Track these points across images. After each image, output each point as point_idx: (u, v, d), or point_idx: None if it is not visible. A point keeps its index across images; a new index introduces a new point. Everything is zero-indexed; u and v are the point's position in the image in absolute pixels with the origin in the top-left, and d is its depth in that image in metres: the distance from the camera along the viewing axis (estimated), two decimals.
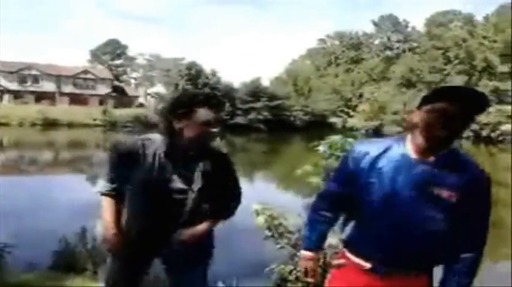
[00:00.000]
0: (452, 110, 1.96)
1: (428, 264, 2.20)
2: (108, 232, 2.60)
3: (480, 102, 2.02)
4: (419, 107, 2.07)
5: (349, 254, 2.29)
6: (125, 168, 2.54)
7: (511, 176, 20.18)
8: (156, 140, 2.54)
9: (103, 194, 2.65)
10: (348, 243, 2.31)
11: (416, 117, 2.06)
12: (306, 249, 2.46)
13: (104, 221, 2.63)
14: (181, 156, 2.50)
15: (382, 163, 2.13)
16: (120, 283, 2.69)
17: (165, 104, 2.52)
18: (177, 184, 2.50)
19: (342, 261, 2.33)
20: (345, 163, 2.27)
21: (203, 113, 2.41)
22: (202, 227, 2.57)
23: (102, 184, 2.66)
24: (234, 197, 2.71)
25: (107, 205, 2.63)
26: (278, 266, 4.65)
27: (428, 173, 2.05)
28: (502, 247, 10.33)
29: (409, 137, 2.15)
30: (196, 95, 2.52)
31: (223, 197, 2.65)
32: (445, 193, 2.04)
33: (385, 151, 2.15)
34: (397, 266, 2.15)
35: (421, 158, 2.07)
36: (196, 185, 2.50)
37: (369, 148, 2.19)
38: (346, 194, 2.25)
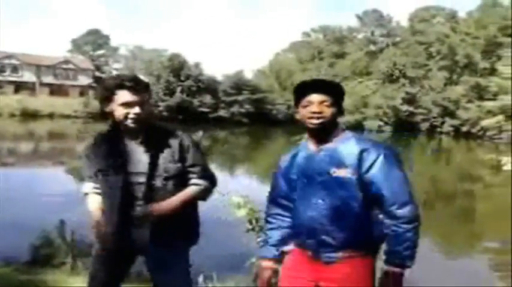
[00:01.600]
0: (311, 100, 2.31)
1: (360, 242, 2.30)
2: (98, 223, 2.60)
3: (337, 90, 2.38)
4: (296, 106, 2.40)
5: (295, 246, 2.45)
6: (92, 161, 2.64)
7: None
8: (106, 130, 2.67)
9: (88, 194, 2.71)
10: (292, 235, 2.47)
11: (298, 115, 2.39)
12: (264, 258, 2.56)
13: (92, 215, 2.63)
14: (130, 139, 2.57)
15: (296, 161, 2.44)
16: (104, 275, 2.66)
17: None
18: (130, 167, 2.54)
19: (290, 247, 2.47)
20: (277, 169, 2.56)
21: (122, 95, 2.48)
22: (167, 202, 2.53)
23: (86, 185, 2.72)
24: (199, 174, 2.67)
25: (92, 200, 2.68)
26: (258, 260, 4.64)
27: (326, 158, 2.32)
28: (477, 240, 10.50)
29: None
30: (116, 78, 2.59)
31: (184, 175, 2.62)
32: (341, 172, 2.26)
33: (298, 152, 2.48)
34: (333, 250, 2.28)
35: (317, 148, 2.36)
36: (143, 165, 2.53)
37: (288, 153, 2.54)
38: (284, 195, 2.49)
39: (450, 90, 58.16)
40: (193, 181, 2.64)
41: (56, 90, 61.16)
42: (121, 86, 2.49)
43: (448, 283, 5.94)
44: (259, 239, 4.67)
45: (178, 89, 58.08)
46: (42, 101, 52.18)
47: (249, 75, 70.88)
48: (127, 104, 2.47)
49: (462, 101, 56.26)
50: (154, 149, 2.55)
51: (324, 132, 2.33)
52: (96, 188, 2.67)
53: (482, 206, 15.34)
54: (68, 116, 49.11)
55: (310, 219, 2.31)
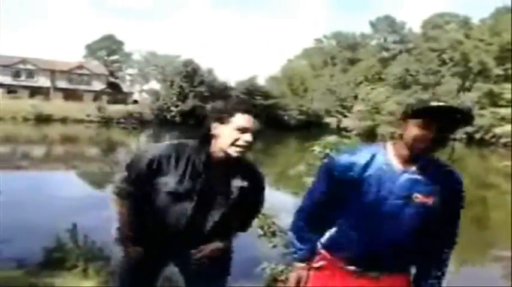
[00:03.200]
0: (441, 127, 2.01)
1: (409, 264, 2.33)
2: (127, 235, 2.53)
3: (466, 119, 2.04)
4: (404, 118, 2.12)
5: (331, 257, 2.33)
6: (153, 172, 2.40)
7: None
8: (191, 146, 2.44)
9: (118, 194, 2.50)
10: (330, 246, 2.33)
11: (403, 128, 2.11)
12: (300, 261, 2.43)
13: (121, 224, 2.54)
14: (216, 166, 2.41)
15: (367, 173, 2.17)
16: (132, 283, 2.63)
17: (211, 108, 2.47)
18: (210, 195, 2.43)
19: (322, 263, 2.36)
20: (329, 172, 2.29)
21: (241, 118, 2.33)
22: (222, 244, 2.55)
23: (118, 183, 2.50)
24: (256, 214, 2.79)
25: (122, 206, 2.50)
26: (270, 266, 4.63)
27: (412, 181, 2.13)
28: (491, 249, 10.39)
29: (390, 144, 2.23)
30: (241, 101, 2.55)
31: (249, 214, 2.70)
32: (427, 200, 2.12)
33: (370, 160, 2.18)
34: (381, 268, 2.23)
35: (404, 166, 2.15)
36: (229, 199, 2.45)
37: (354, 158, 2.22)
38: (330, 202, 2.29)
39: (463, 96, 57.74)
40: (248, 219, 2.74)
41: (70, 95, 61.56)
42: (240, 110, 2.36)
43: None
44: (271, 245, 4.67)
45: (191, 94, 58.25)
46: (56, 106, 52.52)
47: (261, 81, 71.01)
48: (243, 130, 2.32)
49: (475, 107, 55.86)
50: (240, 186, 2.46)
51: (422, 156, 2.13)
52: (130, 192, 2.47)
53: (496, 213, 15.19)
54: (81, 121, 49.41)
55: (376, 243, 2.18)
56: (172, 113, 54.81)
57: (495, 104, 52.21)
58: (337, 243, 2.30)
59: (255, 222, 4.62)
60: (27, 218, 8.14)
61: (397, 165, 2.16)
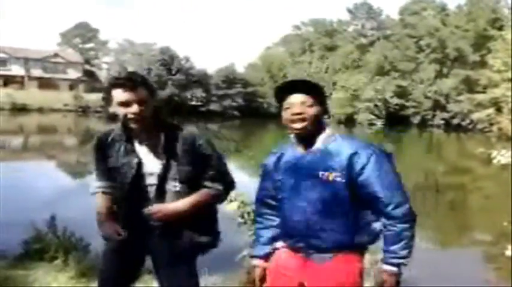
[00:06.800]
0: (292, 101, 2.27)
1: (348, 243, 2.30)
2: (102, 221, 2.57)
3: (317, 90, 2.32)
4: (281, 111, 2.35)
5: (281, 244, 2.49)
6: (102, 162, 2.58)
7: None
8: (116, 128, 2.56)
9: (94, 193, 2.66)
10: (280, 237, 2.50)
11: (283, 120, 2.34)
12: (262, 244, 2.56)
13: (98, 214, 2.61)
14: (133, 138, 2.50)
15: (282, 163, 2.42)
16: (112, 275, 2.61)
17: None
18: (143, 167, 2.48)
19: (281, 244, 2.48)
20: (262, 170, 2.57)
21: (117, 94, 2.37)
22: (174, 204, 2.44)
23: (94, 184, 2.66)
24: (215, 176, 2.55)
25: (100, 199, 2.63)
26: (250, 253, 4.64)
27: (311, 161, 2.29)
28: (470, 231, 10.58)
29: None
30: (112, 77, 2.52)
31: (199, 176, 2.52)
32: (330, 175, 2.24)
33: (283, 153, 2.45)
34: (320, 249, 2.30)
35: (305, 150, 2.34)
36: (155, 166, 2.46)
37: (273, 153, 2.52)
38: (270, 195, 2.51)
39: (441, 83, 58.40)
40: (205, 183, 2.53)
41: (45, 83, 60.67)
42: (114, 85, 2.38)
43: (440, 274, 5.98)
44: (251, 233, 4.68)
45: (169, 82, 57.89)
46: (31, 95, 51.76)
47: (240, 69, 70.83)
48: (124, 104, 2.36)
49: (453, 94, 56.54)
50: (165, 150, 2.45)
51: (309, 135, 2.31)
52: (104, 187, 2.61)
53: (472, 197, 15.45)
54: (57, 110, 48.76)
55: (299, 222, 2.32)
56: None
57: (472, 90, 52.87)
58: (282, 232, 2.47)
59: (235, 209, 4.64)
60: (5, 209, 8.02)
61: (300, 150, 2.36)
